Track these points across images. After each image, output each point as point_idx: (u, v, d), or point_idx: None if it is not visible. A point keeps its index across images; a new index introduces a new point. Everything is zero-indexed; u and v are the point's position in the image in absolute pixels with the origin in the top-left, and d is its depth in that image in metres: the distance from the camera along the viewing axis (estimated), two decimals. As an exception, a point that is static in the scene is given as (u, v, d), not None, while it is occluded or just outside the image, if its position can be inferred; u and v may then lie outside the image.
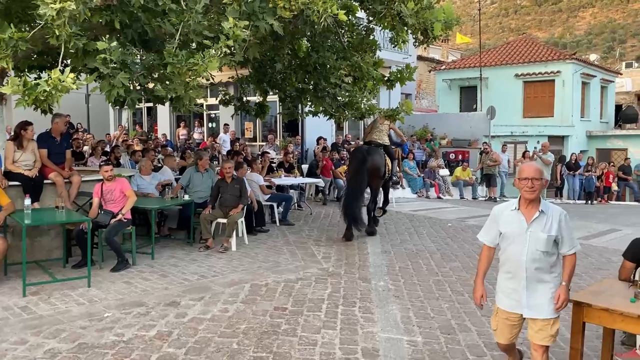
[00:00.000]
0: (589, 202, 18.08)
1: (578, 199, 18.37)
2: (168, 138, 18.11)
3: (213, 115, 18.90)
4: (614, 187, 19.22)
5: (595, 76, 24.34)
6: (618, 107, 27.40)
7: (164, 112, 19.49)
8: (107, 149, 13.01)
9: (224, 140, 15.68)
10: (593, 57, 34.23)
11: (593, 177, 18.43)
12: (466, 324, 5.23)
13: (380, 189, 9.82)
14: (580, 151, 20.99)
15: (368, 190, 9.47)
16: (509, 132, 20.83)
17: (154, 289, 6.07)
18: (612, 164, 20.98)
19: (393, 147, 10.21)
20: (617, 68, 33.88)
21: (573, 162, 18.49)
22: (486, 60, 24.22)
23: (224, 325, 4.95)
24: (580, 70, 22.86)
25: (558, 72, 22.29)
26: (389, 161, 9.54)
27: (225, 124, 16.55)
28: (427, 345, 4.65)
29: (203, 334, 4.73)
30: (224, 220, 8.19)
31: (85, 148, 13.87)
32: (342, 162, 13.81)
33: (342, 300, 5.82)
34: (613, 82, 26.89)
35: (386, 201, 10.53)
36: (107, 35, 5.79)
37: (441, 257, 8.01)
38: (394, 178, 10.42)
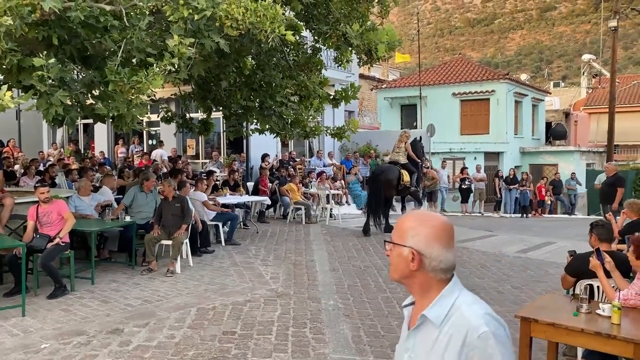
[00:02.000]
0: (525, 215, 18.84)
1: (514, 213, 19.13)
2: (106, 156, 17.51)
3: (153, 132, 18.46)
4: (547, 200, 20.13)
5: (527, 95, 25.55)
6: (548, 125, 28.83)
7: (101, 129, 18.82)
8: (41, 167, 12.40)
9: (162, 155, 15.25)
10: (524, 76, 35.88)
11: (528, 191, 19.24)
12: (416, 341, 5.27)
13: (409, 195, 12.96)
14: (515, 166, 21.89)
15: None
16: (448, 149, 21.49)
17: (94, 316, 5.79)
18: (544, 178, 22.01)
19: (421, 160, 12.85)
20: (546, 87, 35.74)
21: (511, 177, 19.27)
22: (425, 79, 24.97)
23: (171, 352, 4.78)
24: (513, 90, 23.95)
25: (492, 91, 23.27)
26: (406, 175, 12.02)
27: (160, 141, 16.20)
28: (379, 365, 4.66)
29: (149, 363, 4.54)
30: (168, 242, 7.95)
31: (17, 167, 13.21)
32: (289, 179, 13.76)
33: (292, 321, 5.75)
34: (543, 100, 28.30)
35: (419, 203, 13.82)
36: (45, 52, 5.54)
37: (388, 274, 8.07)
38: (413, 188, 12.68)
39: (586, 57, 35.41)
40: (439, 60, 69.71)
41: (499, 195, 19.29)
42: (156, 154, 15.56)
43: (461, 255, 9.81)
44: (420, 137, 13.23)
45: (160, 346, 4.93)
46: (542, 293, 7.23)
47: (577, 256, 4.75)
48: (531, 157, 24.55)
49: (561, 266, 9.17)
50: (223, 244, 9.94)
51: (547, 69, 75.29)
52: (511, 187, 19.08)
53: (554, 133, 27.32)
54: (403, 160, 12.27)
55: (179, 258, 7.86)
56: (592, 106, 32.25)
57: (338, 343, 5.14)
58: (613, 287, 4.12)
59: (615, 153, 23.88)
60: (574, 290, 4.68)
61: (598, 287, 4.43)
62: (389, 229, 11.46)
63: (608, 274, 4.23)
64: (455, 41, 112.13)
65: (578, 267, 4.57)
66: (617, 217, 8.39)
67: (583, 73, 35.61)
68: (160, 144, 15.98)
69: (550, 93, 32.16)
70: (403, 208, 13.34)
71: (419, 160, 12.72)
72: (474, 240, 11.64)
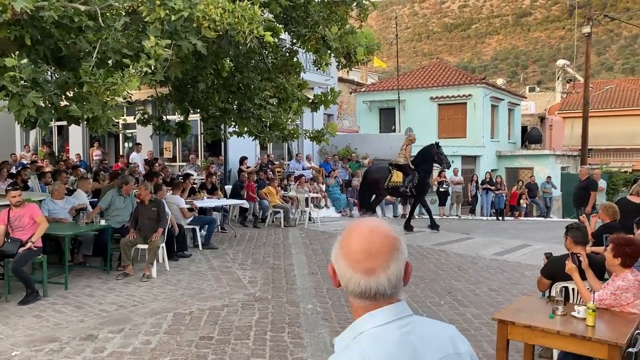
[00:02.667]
0: (500, 218, 19.07)
1: (489, 216, 19.37)
2: (82, 158, 17.20)
3: (129, 135, 18.20)
4: (523, 203, 20.41)
5: (503, 99, 25.89)
6: (524, 129, 29.24)
7: (76, 131, 18.51)
8: (14, 170, 12.11)
9: (134, 160, 14.87)
10: (500, 81, 36.40)
11: (503, 194, 19.50)
12: (394, 344, 5.27)
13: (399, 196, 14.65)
14: (491, 170, 22.14)
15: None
16: (426, 153, 21.60)
17: (68, 322, 5.66)
18: (520, 182, 22.31)
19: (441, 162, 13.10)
20: (522, 92, 36.26)
21: (487, 180, 19.53)
22: (403, 83, 25.13)
23: (146, 358, 4.70)
24: (490, 94, 24.24)
25: (469, 95, 23.51)
26: (397, 176, 12.77)
27: (137, 143, 15.84)
28: (357, 369, 4.63)
29: (124, 370, 4.45)
30: (144, 246, 7.83)
31: (-12, 170, 12.88)
32: (268, 182, 13.71)
33: (270, 326, 5.71)
34: (519, 105, 28.70)
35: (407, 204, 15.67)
36: (17, 52, 5.41)
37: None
38: (402, 189, 12.98)
39: (560, 62, 36.07)
40: (417, 65, 70.31)
41: (470, 199, 19.82)
42: (133, 157, 15.27)
43: (439, 257, 9.88)
44: (437, 143, 13.24)
45: (135, 352, 4.84)
46: (519, 295, 7.31)
47: (552, 259, 4.80)
48: (507, 160, 24.86)
49: (537, 268, 9.29)
50: (200, 248, 9.83)
51: (522, 74, 76.52)
52: (488, 188, 19.36)
53: (530, 137, 27.72)
54: (402, 161, 12.97)
55: (155, 262, 7.75)
56: (567, 111, 32.87)
57: (317, 347, 5.11)
58: (588, 289, 4.17)
59: (588, 157, 24.32)
60: (549, 292, 4.73)
61: (573, 289, 4.48)
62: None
63: (583, 277, 4.29)
64: (433, 45, 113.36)
65: (553, 270, 4.62)
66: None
67: (558, 78, 36.27)
68: (137, 146, 15.66)
69: (526, 97, 32.64)
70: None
71: (405, 162, 13.00)
72: (452, 242, 11.73)
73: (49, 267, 6.89)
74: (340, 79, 26.04)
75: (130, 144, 18.31)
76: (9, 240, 6.35)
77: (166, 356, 4.76)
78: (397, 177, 12.85)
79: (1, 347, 4.91)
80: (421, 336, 1.30)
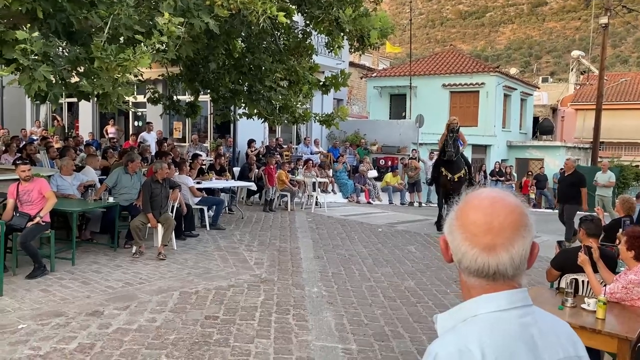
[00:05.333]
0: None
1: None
2: (95, 137, 17.21)
3: (140, 114, 18.18)
4: (532, 195, 20.29)
5: (516, 89, 25.61)
6: (535, 119, 28.97)
7: (86, 108, 18.51)
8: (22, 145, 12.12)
9: (145, 140, 14.74)
10: (513, 71, 35.98)
11: (512, 185, 19.39)
12: (399, 330, 5.26)
13: None
14: (502, 160, 22.00)
15: None
16: (436, 140, 21.45)
17: (74, 298, 5.69)
18: (529, 173, 22.16)
19: None
20: (535, 82, 35.86)
21: (497, 170, 19.42)
22: (415, 69, 24.88)
23: (151, 336, 4.70)
24: (503, 83, 23.97)
25: (482, 83, 23.26)
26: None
27: (149, 122, 15.75)
28: (361, 353, 4.63)
29: (129, 346, 4.47)
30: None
31: (-2, 144, 12.93)
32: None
33: (275, 307, 5.70)
34: (532, 95, 28.40)
35: None
36: (28, 25, 5.36)
37: (373, 263, 8.07)
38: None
39: (575, 53, 35.58)
40: (429, 51, 69.60)
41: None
42: (143, 136, 15.16)
43: (446, 246, 9.82)
44: (455, 128, 10.91)
45: (140, 329, 4.85)
46: (527, 286, 7.26)
47: (563, 250, 4.75)
48: (518, 151, 24.67)
49: (544, 260, 9.23)
50: (208, 228, 9.85)
51: (535, 64, 75.65)
52: (498, 179, 19.26)
53: (541, 128, 27.46)
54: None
55: (160, 241, 7.73)
56: (579, 102, 32.47)
57: (321, 330, 5.10)
58: (600, 282, 4.11)
59: (600, 150, 24.08)
60: (558, 283, 4.69)
61: (583, 281, 4.43)
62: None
63: (595, 270, 4.23)
64: (446, 33, 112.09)
65: (564, 262, 4.56)
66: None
67: (572, 69, 35.80)
68: (148, 126, 15.58)
69: (539, 88, 32.27)
70: None
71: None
72: (459, 231, 11.65)
73: (56, 242, 6.92)
74: (352, 64, 25.78)
75: (141, 123, 18.30)
76: (18, 215, 6.36)
77: (171, 334, 4.76)
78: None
79: (8, 320, 4.94)
80: (541, 330, 1.18)
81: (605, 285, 4.03)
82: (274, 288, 6.41)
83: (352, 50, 9.07)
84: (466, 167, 11.18)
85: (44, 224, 6.49)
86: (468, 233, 1.17)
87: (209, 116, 16.29)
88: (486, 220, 1.15)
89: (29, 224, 6.33)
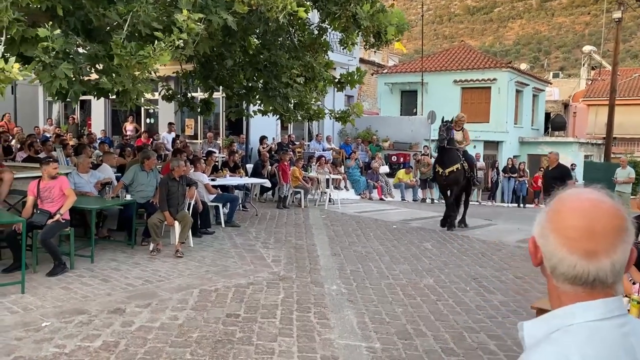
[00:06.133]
0: (521, 205, 18.85)
1: (510, 202, 19.15)
2: (107, 135, 17.25)
3: (153, 111, 18.21)
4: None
5: (528, 85, 25.43)
6: (547, 115, 28.76)
7: (98, 106, 18.56)
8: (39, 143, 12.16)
9: (167, 140, 14.71)
10: (523, 66, 35.73)
11: (525, 181, 19.26)
12: (421, 328, 5.22)
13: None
14: (513, 156, 21.84)
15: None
16: (448, 137, 21.35)
17: (95, 295, 5.70)
18: (541, 169, 21.98)
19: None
20: (545, 78, 35.58)
21: (510, 166, 19.29)
22: (426, 65, 24.76)
23: (174, 334, 4.69)
24: (515, 79, 23.81)
25: (494, 79, 23.10)
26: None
27: (170, 123, 15.72)
28: (385, 352, 4.60)
29: (153, 344, 4.46)
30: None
31: (13, 142, 13.00)
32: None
33: (296, 305, 5.68)
34: (544, 90, 28.20)
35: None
36: (50, 22, 5.36)
37: (390, 260, 8.02)
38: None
39: (587, 48, 35.20)
40: (437, 47, 69.25)
41: (490, 185, 19.61)
42: (164, 137, 14.98)
43: (462, 243, 9.78)
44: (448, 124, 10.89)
45: (163, 327, 4.84)
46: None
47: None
48: (530, 147, 24.50)
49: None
50: (223, 225, 9.84)
51: (546, 60, 75.08)
52: (510, 176, 19.13)
53: (554, 124, 27.27)
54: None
55: (177, 238, 7.73)
56: (591, 98, 32.18)
57: (344, 329, 5.08)
58: (630, 280, 4.06)
59: (613, 145, 23.86)
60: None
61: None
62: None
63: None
64: (454, 28, 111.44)
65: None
66: None
67: (583, 64, 35.46)
68: (170, 126, 15.37)
69: (551, 83, 32.03)
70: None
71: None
72: (474, 229, 11.59)
73: (74, 240, 6.93)
74: (362, 60, 25.64)
75: (152, 120, 18.33)
76: (38, 212, 6.38)
77: (194, 332, 4.75)
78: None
79: (31, 317, 4.95)
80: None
81: (635, 284, 3.97)
82: (293, 286, 6.38)
83: (368, 47, 9.00)
84: (464, 163, 10.87)
85: (64, 221, 6.50)
86: (566, 238, 1.10)
87: (221, 113, 16.29)
88: (587, 225, 1.09)
89: (49, 221, 6.34)
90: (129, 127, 17.10)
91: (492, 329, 5.26)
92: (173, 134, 15.14)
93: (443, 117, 11.21)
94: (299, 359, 4.34)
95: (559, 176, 9.95)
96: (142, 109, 17.65)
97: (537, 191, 20.00)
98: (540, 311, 3.58)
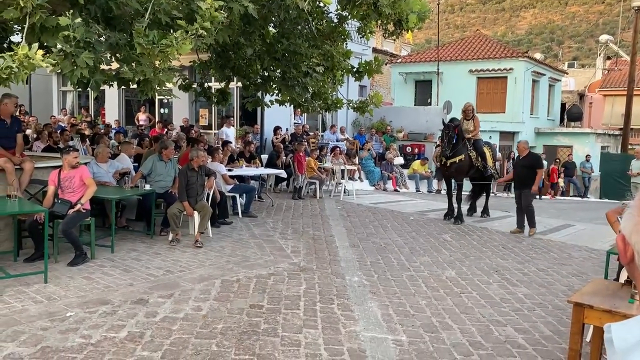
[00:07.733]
0: (538, 197, 18.65)
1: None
2: (121, 125, 17.26)
3: (166, 101, 18.19)
4: (560, 182, 19.94)
5: (544, 75, 25.09)
6: (562, 106, 28.40)
7: (112, 96, 18.58)
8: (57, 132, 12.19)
9: (227, 135, 14.33)
10: (537, 56, 35.27)
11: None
12: (447, 321, 5.15)
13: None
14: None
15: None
16: (463, 127, 21.15)
17: (117, 285, 5.68)
18: (557, 160, 21.75)
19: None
20: (560, 67, 35.11)
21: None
22: (441, 55, 24.49)
23: (199, 325, 4.66)
24: (532, 69, 23.48)
25: (511, 69, 22.80)
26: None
27: (229, 116, 15.16)
28: (412, 345, 4.53)
29: (178, 335, 4.43)
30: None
31: (29, 132, 13.03)
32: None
33: (318, 297, 5.63)
34: (560, 81, 27.82)
35: None
36: (71, 11, 5.30)
37: (410, 252, 7.95)
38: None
39: (604, 37, 34.66)
40: (449, 37, 68.60)
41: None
42: (224, 131, 14.54)
43: (481, 235, 9.67)
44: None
45: (187, 318, 4.81)
46: (569, 277, 7.09)
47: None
48: (546, 138, 24.22)
49: (583, 249, 9.06)
50: (240, 215, 9.81)
51: (561, 50, 74.14)
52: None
53: (570, 114, 26.93)
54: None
55: (196, 229, 7.70)
56: (608, 88, 31.72)
57: (368, 321, 5.01)
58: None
59: (630, 136, 23.54)
60: (617, 276, 4.53)
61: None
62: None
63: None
64: (465, 18, 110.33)
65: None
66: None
67: (599, 54, 34.94)
68: (229, 120, 14.90)
69: (567, 73, 31.60)
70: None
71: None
72: (492, 220, 11.49)
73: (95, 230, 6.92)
74: (375, 50, 25.46)
75: (167, 110, 18.31)
76: (59, 202, 6.36)
77: (219, 323, 4.71)
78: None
79: (55, 308, 4.94)
80: None
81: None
82: (314, 277, 6.33)
83: (387, 35, 8.88)
84: (471, 153, 10.69)
85: (84, 211, 6.48)
86: None
87: (235, 103, 16.22)
88: None
89: (71, 211, 6.32)
90: (142, 117, 17.07)
91: (519, 322, 5.17)
92: (233, 129, 14.81)
93: (443, 120, 11.16)
94: (326, 352, 4.28)
95: (528, 165, 9.85)
96: (156, 99, 17.64)
97: (553, 183, 19.83)
98: (577, 305, 3.50)
